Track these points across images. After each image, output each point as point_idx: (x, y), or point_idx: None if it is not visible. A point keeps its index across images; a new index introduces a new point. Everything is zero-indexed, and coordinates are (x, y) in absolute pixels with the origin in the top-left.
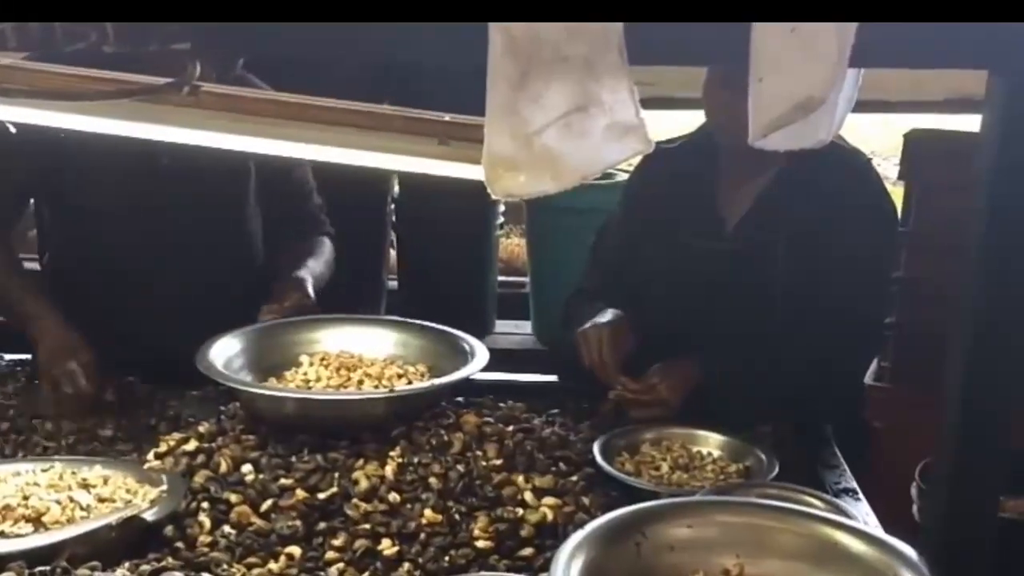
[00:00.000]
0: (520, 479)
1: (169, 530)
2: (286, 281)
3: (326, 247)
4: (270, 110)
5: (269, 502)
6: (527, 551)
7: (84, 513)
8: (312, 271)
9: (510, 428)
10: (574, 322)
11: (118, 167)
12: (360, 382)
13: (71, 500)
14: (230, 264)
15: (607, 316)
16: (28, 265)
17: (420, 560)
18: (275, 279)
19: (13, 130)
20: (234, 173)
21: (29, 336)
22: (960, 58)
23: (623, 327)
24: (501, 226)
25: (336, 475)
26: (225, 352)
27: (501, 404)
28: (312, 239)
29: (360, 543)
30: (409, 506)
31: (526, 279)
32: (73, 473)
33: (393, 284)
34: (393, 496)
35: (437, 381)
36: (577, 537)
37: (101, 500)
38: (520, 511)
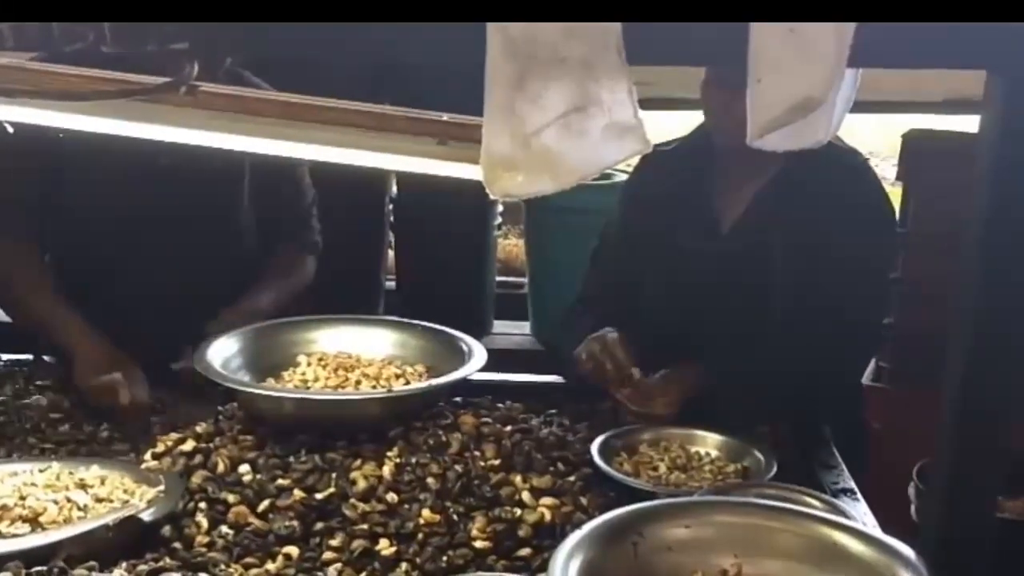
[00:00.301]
0: (518, 479)
1: (167, 530)
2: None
3: (295, 273)
4: (269, 110)
5: (267, 502)
6: (525, 551)
7: (81, 513)
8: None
9: (508, 428)
10: (574, 336)
11: (116, 167)
12: (358, 382)
13: (68, 500)
14: (228, 264)
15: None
16: None
17: (418, 560)
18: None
19: (10, 130)
20: (231, 173)
21: (65, 350)
22: (959, 58)
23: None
24: (499, 226)
25: (334, 475)
26: (223, 352)
27: (499, 404)
28: (287, 256)
29: (358, 543)
30: (407, 506)
31: (524, 279)
32: (70, 473)
33: (391, 284)
34: (391, 496)
35: (435, 381)
36: (575, 537)
37: (98, 500)
38: (518, 511)
